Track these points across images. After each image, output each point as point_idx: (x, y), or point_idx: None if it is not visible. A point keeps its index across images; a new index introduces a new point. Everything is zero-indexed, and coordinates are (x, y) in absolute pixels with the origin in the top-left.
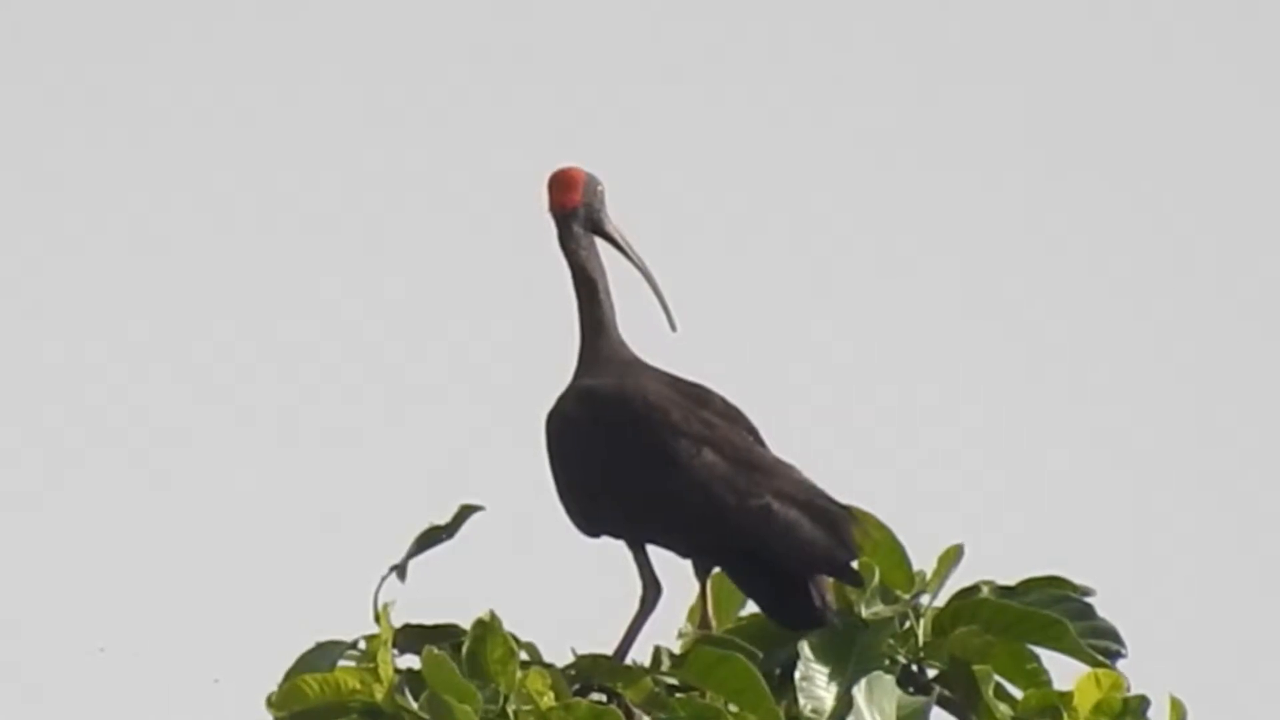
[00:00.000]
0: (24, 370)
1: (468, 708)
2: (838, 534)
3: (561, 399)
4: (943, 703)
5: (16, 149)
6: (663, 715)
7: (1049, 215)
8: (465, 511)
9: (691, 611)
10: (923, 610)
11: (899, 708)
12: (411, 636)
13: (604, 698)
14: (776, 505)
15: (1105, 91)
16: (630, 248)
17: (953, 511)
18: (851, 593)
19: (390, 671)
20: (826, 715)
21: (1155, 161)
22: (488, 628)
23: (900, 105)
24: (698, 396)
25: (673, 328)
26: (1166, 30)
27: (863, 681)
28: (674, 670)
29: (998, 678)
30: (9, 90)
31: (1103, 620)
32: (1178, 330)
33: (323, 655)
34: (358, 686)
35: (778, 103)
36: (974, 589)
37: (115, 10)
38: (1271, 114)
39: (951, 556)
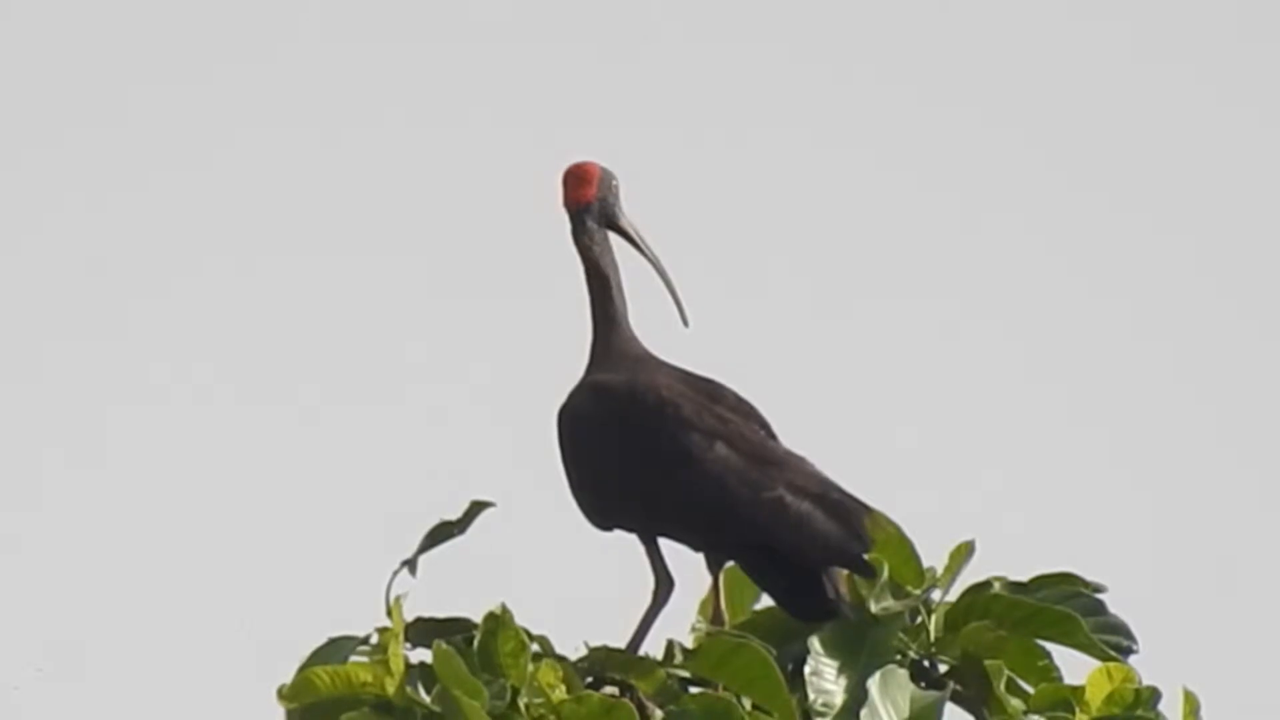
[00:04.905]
0: (26, 368)
1: (476, 704)
2: (851, 526)
3: (573, 394)
4: (954, 698)
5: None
6: (675, 708)
7: (1050, 214)
8: (476, 508)
9: (703, 605)
10: (934, 605)
11: (912, 702)
12: (423, 630)
13: (616, 691)
14: (789, 498)
15: (1112, 96)
16: (644, 243)
17: (963, 509)
18: (863, 587)
19: (401, 665)
20: (836, 709)
21: (1156, 163)
22: (499, 621)
23: (908, 103)
24: (710, 392)
25: (685, 323)
26: (1168, 34)
27: (877, 675)
28: (687, 663)
29: (1009, 673)
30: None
31: (1114, 616)
32: (1184, 326)
33: (335, 651)
34: (369, 680)
35: (791, 99)
36: (986, 584)
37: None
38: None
39: (963, 553)
